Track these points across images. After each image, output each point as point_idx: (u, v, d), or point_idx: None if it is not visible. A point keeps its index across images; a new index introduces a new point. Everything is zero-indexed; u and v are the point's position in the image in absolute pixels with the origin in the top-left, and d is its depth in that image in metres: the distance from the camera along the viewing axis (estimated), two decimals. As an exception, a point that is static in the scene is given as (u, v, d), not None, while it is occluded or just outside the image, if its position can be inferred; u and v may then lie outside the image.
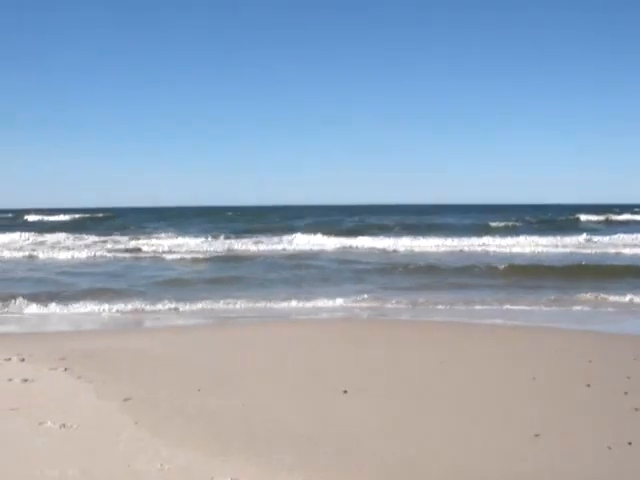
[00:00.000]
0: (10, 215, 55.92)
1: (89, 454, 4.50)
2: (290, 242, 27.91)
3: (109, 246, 26.65)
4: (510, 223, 40.29)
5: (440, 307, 12.14)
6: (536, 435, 4.89)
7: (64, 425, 5.04)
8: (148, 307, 12.27)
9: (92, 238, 30.27)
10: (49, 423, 5.09)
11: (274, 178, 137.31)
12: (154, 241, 28.75)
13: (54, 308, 12.02)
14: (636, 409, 5.51)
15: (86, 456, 4.47)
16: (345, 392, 6.06)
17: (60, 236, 31.42)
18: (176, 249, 25.30)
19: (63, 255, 23.24)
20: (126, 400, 5.74)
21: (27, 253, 23.67)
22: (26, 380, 6.34)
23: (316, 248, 25.79)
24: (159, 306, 12.28)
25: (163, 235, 31.77)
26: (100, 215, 55.32)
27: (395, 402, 5.81)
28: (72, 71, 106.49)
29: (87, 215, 54.16)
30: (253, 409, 5.55)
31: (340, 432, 5.00)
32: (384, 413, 5.49)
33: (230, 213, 59.46)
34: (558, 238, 27.38)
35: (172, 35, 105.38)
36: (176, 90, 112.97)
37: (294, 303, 12.62)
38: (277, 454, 4.56)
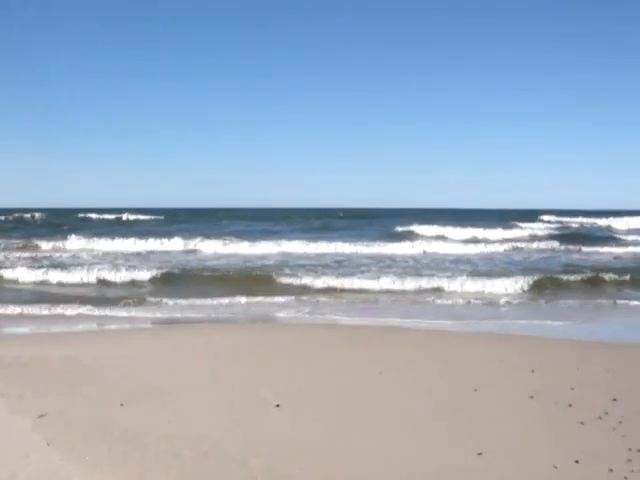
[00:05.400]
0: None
1: (-10, 481, 4.05)
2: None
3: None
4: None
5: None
6: (479, 453, 4.63)
7: (-33, 447, 4.56)
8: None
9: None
10: (-50, 444, 4.60)
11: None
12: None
13: None
14: (582, 423, 5.31)
15: (-13, 483, 4.02)
16: (278, 406, 5.70)
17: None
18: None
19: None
20: (41, 417, 5.26)
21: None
22: None
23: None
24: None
25: None
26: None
27: (331, 416, 5.47)
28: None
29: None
30: (180, 426, 5.13)
31: (270, 450, 4.64)
32: (319, 429, 5.15)
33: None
34: None
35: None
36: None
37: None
38: (203, 477, 4.18)
